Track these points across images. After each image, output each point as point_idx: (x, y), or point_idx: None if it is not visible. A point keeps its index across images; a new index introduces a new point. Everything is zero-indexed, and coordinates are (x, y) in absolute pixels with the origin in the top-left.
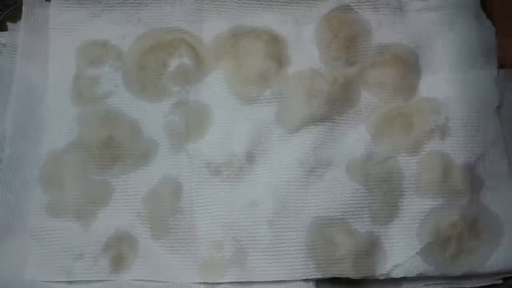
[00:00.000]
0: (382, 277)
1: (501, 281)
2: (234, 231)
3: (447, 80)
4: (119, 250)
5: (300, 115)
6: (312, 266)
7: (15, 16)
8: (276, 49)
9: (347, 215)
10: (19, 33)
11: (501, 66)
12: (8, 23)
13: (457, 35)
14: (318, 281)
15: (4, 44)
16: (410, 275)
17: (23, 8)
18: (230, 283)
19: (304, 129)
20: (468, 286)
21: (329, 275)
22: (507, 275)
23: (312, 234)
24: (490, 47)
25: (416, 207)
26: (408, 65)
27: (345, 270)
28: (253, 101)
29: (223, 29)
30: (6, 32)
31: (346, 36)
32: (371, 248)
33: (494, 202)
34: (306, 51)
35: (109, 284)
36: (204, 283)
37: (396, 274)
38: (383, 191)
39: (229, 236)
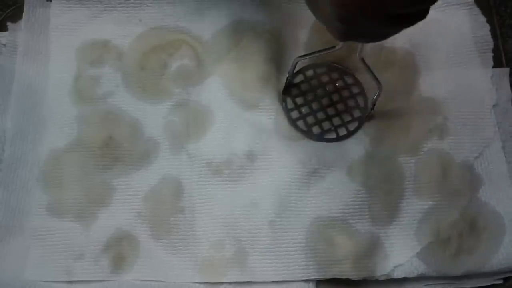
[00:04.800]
0: (382, 278)
1: (501, 281)
2: (235, 231)
3: (444, 80)
4: (120, 250)
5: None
6: (313, 266)
7: (16, 16)
8: (276, 50)
9: (347, 216)
10: (19, 33)
11: (497, 64)
12: (8, 23)
13: (454, 35)
14: (318, 282)
15: (4, 44)
16: (411, 276)
17: (24, 7)
18: (230, 283)
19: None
20: (469, 286)
21: (329, 275)
22: (508, 275)
23: (313, 234)
24: (485, 46)
25: (416, 207)
26: (406, 65)
27: (346, 270)
28: (253, 104)
29: (224, 28)
30: (6, 32)
31: None
32: (371, 248)
33: (494, 201)
34: (306, 51)
35: (110, 284)
36: (204, 283)
37: (397, 274)
38: (383, 191)
39: (230, 236)
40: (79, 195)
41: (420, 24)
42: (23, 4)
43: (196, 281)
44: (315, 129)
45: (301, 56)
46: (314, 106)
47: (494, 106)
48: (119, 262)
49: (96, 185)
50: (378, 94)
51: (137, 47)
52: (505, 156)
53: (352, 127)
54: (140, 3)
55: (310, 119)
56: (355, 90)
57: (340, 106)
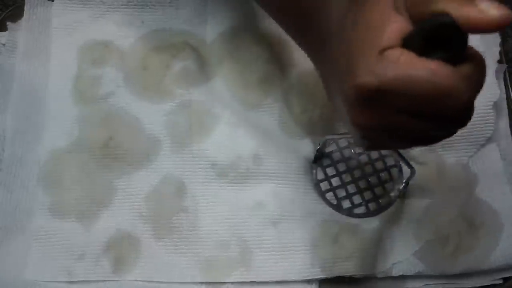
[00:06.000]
0: (381, 275)
1: (501, 281)
2: (240, 231)
3: None
4: (121, 250)
5: (304, 118)
6: (317, 266)
7: (15, 15)
8: (278, 51)
9: (351, 216)
10: (19, 32)
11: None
12: (8, 23)
13: None
14: (321, 281)
15: (4, 44)
16: (409, 274)
17: (25, 7)
18: (233, 283)
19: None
20: (469, 286)
21: (334, 274)
22: (507, 274)
23: (317, 234)
24: (488, 44)
25: (415, 206)
26: None
27: (349, 269)
28: (256, 105)
29: (227, 31)
30: (6, 32)
31: None
32: (372, 247)
33: (491, 198)
34: None
35: (111, 285)
36: (207, 282)
37: (396, 272)
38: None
39: (235, 236)
40: (80, 196)
41: None
42: (23, 4)
43: (199, 281)
44: (345, 203)
45: (331, 136)
46: (345, 178)
47: (494, 103)
48: (120, 262)
49: (97, 185)
50: (411, 176)
51: (139, 48)
52: (500, 154)
53: (384, 202)
54: (143, 5)
55: (340, 192)
56: (390, 162)
57: (372, 179)
